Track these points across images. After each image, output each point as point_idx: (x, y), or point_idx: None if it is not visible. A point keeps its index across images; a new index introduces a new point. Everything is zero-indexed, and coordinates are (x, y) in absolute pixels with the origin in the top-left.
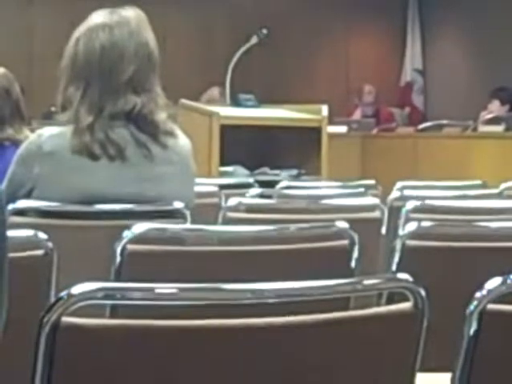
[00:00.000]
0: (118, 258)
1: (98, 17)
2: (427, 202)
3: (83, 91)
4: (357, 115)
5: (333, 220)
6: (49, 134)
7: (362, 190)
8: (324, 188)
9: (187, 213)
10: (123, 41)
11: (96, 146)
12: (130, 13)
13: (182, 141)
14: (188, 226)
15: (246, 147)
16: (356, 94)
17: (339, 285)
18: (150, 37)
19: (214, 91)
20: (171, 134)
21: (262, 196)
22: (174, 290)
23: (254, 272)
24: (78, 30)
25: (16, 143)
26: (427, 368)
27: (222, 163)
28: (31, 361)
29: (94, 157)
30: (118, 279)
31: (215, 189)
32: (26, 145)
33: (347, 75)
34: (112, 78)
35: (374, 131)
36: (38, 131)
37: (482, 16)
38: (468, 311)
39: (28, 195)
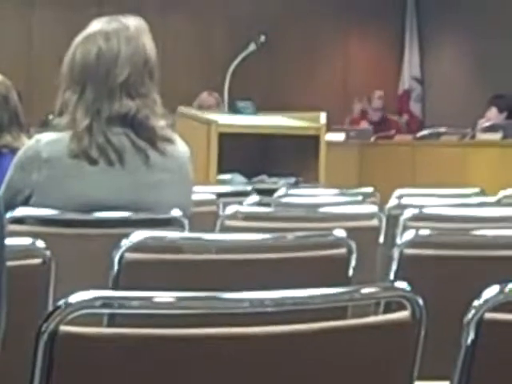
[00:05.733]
0: (116, 267)
1: (97, 24)
2: (425, 210)
3: (79, 95)
4: (363, 123)
5: (331, 228)
6: (47, 140)
7: (360, 197)
8: (322, 196)
9: (185, 221)
10: (119, 45)
11: (94, 150)
12: (131, 20)
13: (181, 148)
14: (186, 234)
15: (244, 155)
16: (366, 98)
17: (337, 293)
18: (148, 44)
19: (203, 96)
20: (170, 140)
21: (259, 204)
22: (171, 299)
23: (252, 280)
24: (78, 38)
25: (14, 151)
26: (425, 376)
27: (220, 171)
28: (29, 369)
29: (92, 161)
30: (115, 288)
31: (213, 197)
32: (25, 150)
33: (345, 82)
34: (107, 82)
35: (372, 139)
36: (36, 136)
37: (480, 24)
38: (466, 320)
39: (26, 201)
